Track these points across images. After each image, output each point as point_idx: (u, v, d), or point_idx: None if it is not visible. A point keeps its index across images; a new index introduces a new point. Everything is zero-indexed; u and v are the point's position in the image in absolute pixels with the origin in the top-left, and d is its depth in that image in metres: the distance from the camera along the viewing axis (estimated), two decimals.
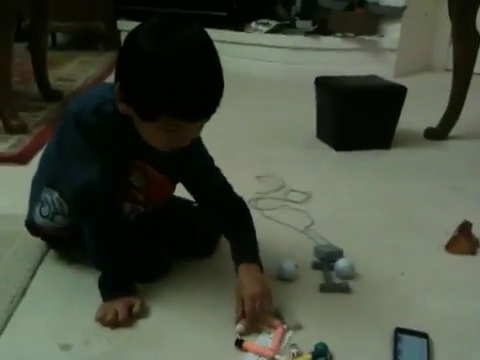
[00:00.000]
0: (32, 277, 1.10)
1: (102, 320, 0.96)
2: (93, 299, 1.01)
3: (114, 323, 0.96)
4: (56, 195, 1.06)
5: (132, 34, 0.92)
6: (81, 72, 3.26)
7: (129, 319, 0.97)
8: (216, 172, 1.14)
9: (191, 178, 1.12)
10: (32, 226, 1.15)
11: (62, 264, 1.16)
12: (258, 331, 0.97)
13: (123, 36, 4.26)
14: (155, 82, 0.87)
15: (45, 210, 1.08)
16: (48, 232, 1.13)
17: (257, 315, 0.97)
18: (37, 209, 1.10)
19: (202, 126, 0.97)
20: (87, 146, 0.97)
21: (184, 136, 0.96)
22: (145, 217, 1.12)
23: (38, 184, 1.12)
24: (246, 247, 1.08)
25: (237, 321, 0.97)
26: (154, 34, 0.89)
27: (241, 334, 0.95)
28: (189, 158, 1.07)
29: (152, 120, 0.92)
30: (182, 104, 0.88)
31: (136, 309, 0.98)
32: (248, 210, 1.14)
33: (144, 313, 1.00)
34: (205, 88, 0.89)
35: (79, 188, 0.98)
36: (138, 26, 0.93)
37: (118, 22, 4.14)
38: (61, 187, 1.05)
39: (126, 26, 4.11)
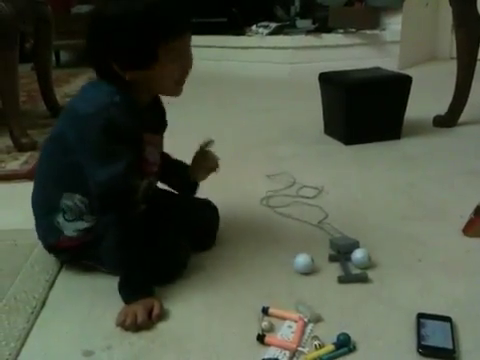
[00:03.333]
0: (51, 287, 1.11)
1: (123, 324, 0.97)
2: (113, 305, 1.01)
3: (134, 327, 0.96)
4: (78, 196, 1.08)
5: (93, 14, 1.03)
6: None
7: (149, 322, 0.97)
8: None
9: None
10: (54, 245, 1.15)
11: (79, 273, 1.17)
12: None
13: None
14: (137, 24, 0.97)
15: (69, 215, 1.09)
16: (73, 241, 1.12)
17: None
18: (59, 219, 1.10)
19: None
20: (111, 142, 0.99)
21: (187, 58, 1.05)
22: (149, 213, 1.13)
23: (52, 195, 1.11)
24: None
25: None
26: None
27: (263, 330, 0.95)
28: None
29: (155, 59, 0.99)
30: (167, 22, 0.97)
31: (156, 311, 0.98)
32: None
33: (164, 315, 1.00)
34: (175, 4, 1.01)
35: (104, 182, 0.99)
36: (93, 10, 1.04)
37: None
38: (83, 188, 1.05)
39: None
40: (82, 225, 1.10)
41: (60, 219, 1.10)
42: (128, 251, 1.03)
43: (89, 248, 1.10)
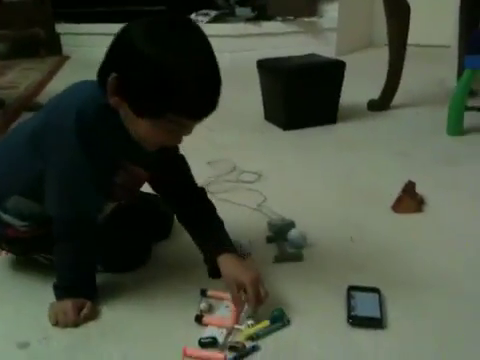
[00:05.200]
0: None
1: (55, 324, 0.96)
2: (50, 296, 1.00)
3: (63, 325, 0.95)
4: (32, 203, 1.00)
5: (127, 30, 0.86)
6: (23, 79, 3.19)
7: (77, 320, 0.96)
8: (181, 160, 1.12)
9: (159, 167, 1.07)
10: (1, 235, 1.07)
11: (15, 267, 1.15)
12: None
13: (63, 39, 4.18)
14: (163, 82, 0.83)
15: (14, 216, 1.03)
16: (22, 233, 1.04)
17: (262, 299, 0.95)
18: (3, 216, 1.02)
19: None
20: (88, 166, 0.92)
21: (181, 135, 0.94)
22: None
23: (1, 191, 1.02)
24: (222, 238, 1.07)
25: (239, 312, 0.95)
26: (154, 34, 0.85)
27: (202, 311, 0.97)
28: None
29: (155, 117, 0.88)
30: (193, 103, 0.86)
31: (85, 311, 0.97)
32: (211, 201, 1.13)
33: (94, 315, 0.98)
34: (212, 87, 0.88)
35: (73, 214, 0.95)
36: (131, 23, 0.87)
37: (57, 25, 4.06)
38: (40, 198, 0.96)
39: (65, 29, 4.04)
40: (32, 222, 1.04)
41: (4, 216, 1.03)
42: (76, 272, 1.00)
43: (44, 241, 1.03)
